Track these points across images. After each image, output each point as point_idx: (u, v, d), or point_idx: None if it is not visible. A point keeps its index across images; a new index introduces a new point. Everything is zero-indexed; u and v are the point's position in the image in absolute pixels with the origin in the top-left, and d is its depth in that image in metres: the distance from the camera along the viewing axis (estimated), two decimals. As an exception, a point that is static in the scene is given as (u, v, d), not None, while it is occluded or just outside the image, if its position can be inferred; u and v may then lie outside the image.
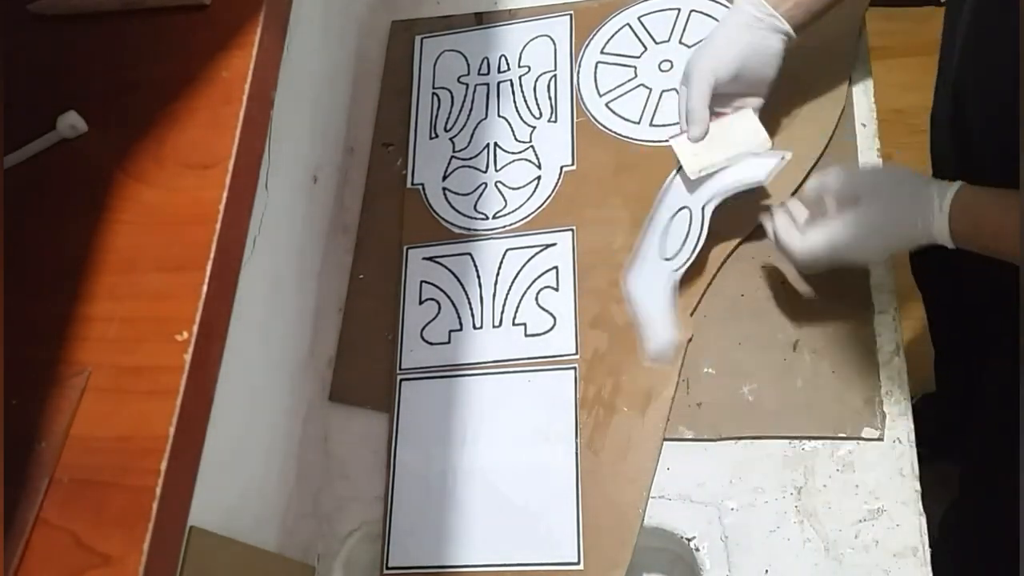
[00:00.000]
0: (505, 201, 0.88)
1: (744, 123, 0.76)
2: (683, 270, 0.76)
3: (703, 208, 0.76)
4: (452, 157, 0.92)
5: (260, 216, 0.75)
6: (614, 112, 0.89)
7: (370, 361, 0.84)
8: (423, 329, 0.84)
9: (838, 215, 0.68)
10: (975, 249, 0.64)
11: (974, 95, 0.76)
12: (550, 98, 0.92)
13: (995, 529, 0.74)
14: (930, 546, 0.67)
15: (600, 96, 0.90)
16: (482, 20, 0.99)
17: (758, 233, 0.80)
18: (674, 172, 0.80)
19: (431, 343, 0.83)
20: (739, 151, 0.75)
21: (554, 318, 0.81)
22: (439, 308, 0.84)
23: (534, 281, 0.83)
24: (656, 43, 0.91)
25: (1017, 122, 0.61)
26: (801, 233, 0.70)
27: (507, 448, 0.77)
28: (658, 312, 0.76)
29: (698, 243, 0.75)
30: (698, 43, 0.89)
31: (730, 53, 0.72)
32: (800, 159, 0.81)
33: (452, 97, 0.95)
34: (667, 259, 0.78)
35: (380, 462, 0.80)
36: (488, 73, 0.95)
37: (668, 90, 0.88)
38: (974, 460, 0.96)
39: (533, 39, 0.96)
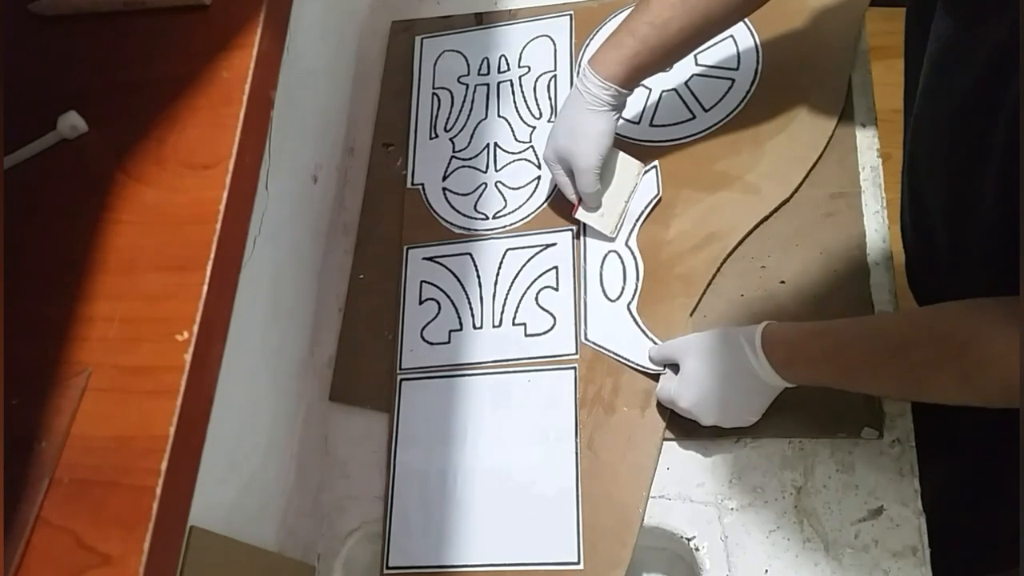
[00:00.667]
0: (505, 201, 0.88)
1: (618, 164, 0.82)
2: (636, 301, 0.79)
3: (627, 244, 0.82)
4: (452, 157, 0.92)
5: (260, 216, 0.75)
6: (614, 112, 0.89)
7: (370, 361, 0.84)
8: (423, 329, 0.84)
9: (676, 378, 0.71)
10: (805, 382, 0.65)
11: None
12: (550, 98, 0.92)
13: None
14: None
15: (600, 96, 0.90)
16: (482, 20, 0.99)
17: (758, 233, 0.80)
18: (576, 229, 0.84)
19: (431, 343, 0.83)
20: (630, 189, 0.82)
21: (554, 318, 0.81)
22: (439, 308, 0.84)
23: (534, 281, 0.83)
24: (656, 43, 0.91)
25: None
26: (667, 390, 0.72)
27: (507, 448, 0.77)
28: (634, 347, 0.77)
29: (638, 275, 0.80)
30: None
31: (601, 143, 0.76)
32: (800, 159, 0.81)
33: (452, 97, 0.95)
34: (614, 300, 0.80)
35: (380, 462, 0.80)
36: (488, 73, 0.95)
37: (668, 90, 0.88)
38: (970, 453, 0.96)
39: (533, 39, 0.96)
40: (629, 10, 0.93)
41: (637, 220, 0.82)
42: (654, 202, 0.82)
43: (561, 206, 0.86)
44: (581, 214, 0.81)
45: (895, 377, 0.59)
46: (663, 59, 0.73)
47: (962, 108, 0.58)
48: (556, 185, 0.82)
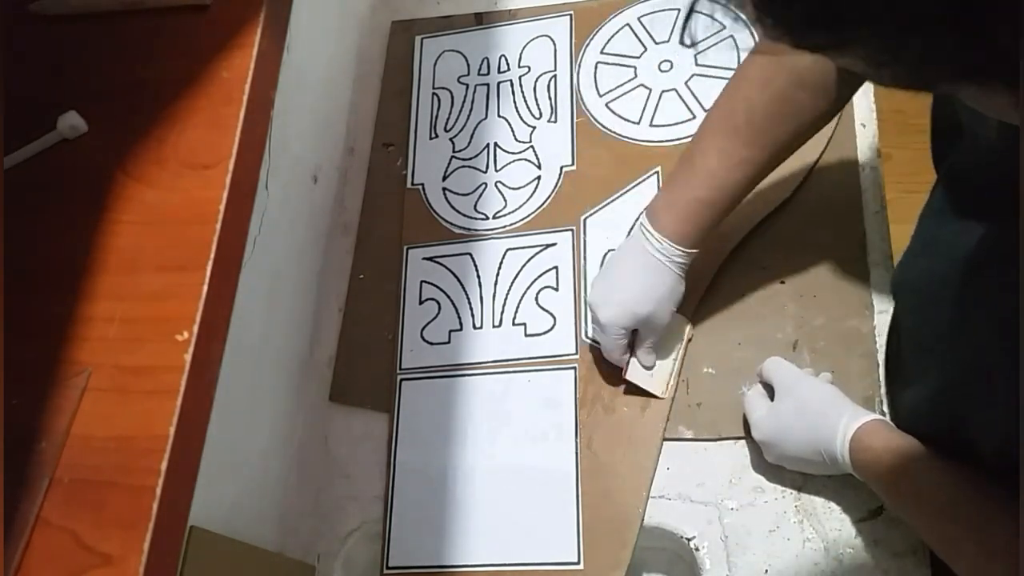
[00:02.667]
0: (505, 201, 0.88)
1: (671, 325, 0.75)
2: None
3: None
4: (452, 157, 0.92)
5: (260, 216, 0.75)
6: (614, 112, 0.89)
7: (370, 361, 0.84)
8: (423, 329, 0.84)
9: (765, 404, 0.70)
10: (871, 483, 0.63)
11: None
12: (550, 98, 0.92)
13: None
14: None
15: (600, 96, 0.90)
16: (482, 20, 0.99)
17: (758, 233, 0.80)
18: (576, 229, 0.83)
19: (431, 343, 0.83)
20: (679, 347, 0.77)
21: (554, 318, 0.81)
22: (439, 308, 0.84)
23: (534, 281, 0.83)
24: (656, 43, 0.91)
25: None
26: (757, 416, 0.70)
27: (507, 448, 0.77)
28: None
29: None
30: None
31: (675, 303, 0.72)
32: (800, 159, 0.81)
33: (452, 97, 0.95)
34: None
35: (380, 462, 0.80)
36: (488, 73, 0.95)
37: (668, 90, 0.88)
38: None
39: (533, 39, 0.96)
40: (629, 10, 0.94)
41: (637, 220, 0.81)
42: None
43: (561, 206, 0.86)
44: (632, 374, 0.75)
45: (936, 539, 0.60)
46: (727, 215, 0.70)
47: None
48: (604, 348, 0.75)
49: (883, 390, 0.72)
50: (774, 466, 0.71)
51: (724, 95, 0.67)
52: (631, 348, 0.74)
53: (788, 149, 0.67)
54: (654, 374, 0.76)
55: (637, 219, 0.72)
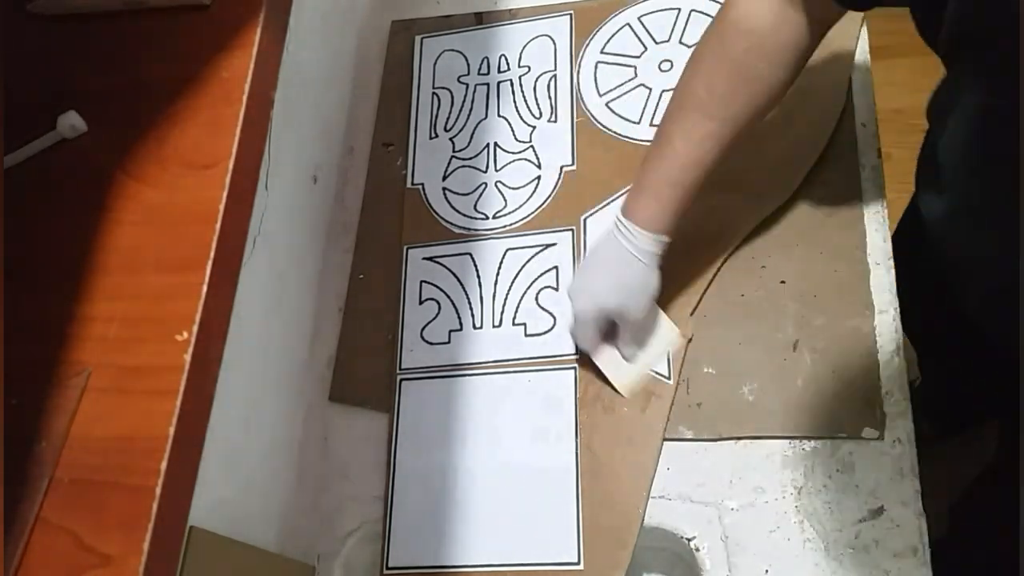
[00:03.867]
0: (505, 201, 0.88)
1: (657, 326, 0.77)
2: None
3: None
4: (452, 157, 0.92)
5: (260, 216, 0.75)
6: (614, 112, 0.89)
7: (370, 361, 0.84)
8: (423, 329, 0.84)
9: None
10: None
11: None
12: (550, 98, 0.92)
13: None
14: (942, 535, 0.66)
15: (600, 96, 0.90)
16: (482, 20, 0.99)
17: (758, 233, 0.80)
18: (576, 228, 0.84)
19: (431, 343, 0.83)
20: (659, 354, 0.77)
21: (554, 318, 0.81)
22: (439, 308, 0.84)
23: (534, 281, 0.83)
24: (656, 43, 0.91)
25: None
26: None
27: (507, 448, 0.77)
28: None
29: None
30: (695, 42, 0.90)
31: (652, 296, 0.72)
32: (800, 159, 0.81)
33: (452, 97, 0.95)
34: None
35: (380, 462, 0.80)
36: (488, 73, 0.95)
37: (668, 90, 0.88)
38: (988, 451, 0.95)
39: (533, 39, 0.96)
40: (629, 10, 0.94)
41: None
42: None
43: (561, 206, 0.86)
44: (602, 360, 0.76)
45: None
46: (695, 194, 0.69)
47: None
48: (576, 338, 0.77)
49: (883, 390, 0.72)
50: (774, 466, 0.71)
51: (683, 76, 0.67)
52: (612, 340, 0.75)
53: (749, 121, 0.66)
54: (624, 369, 0.76)
55: None
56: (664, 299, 0.79)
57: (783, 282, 0.78)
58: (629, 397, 0.76)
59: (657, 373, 0.76)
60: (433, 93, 0.96)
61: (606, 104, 0.90)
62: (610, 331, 0.75)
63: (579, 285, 0.74)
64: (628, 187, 0.84)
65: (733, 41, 0.63)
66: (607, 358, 0.77)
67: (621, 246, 0.70)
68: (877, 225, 0.78)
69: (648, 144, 0.86)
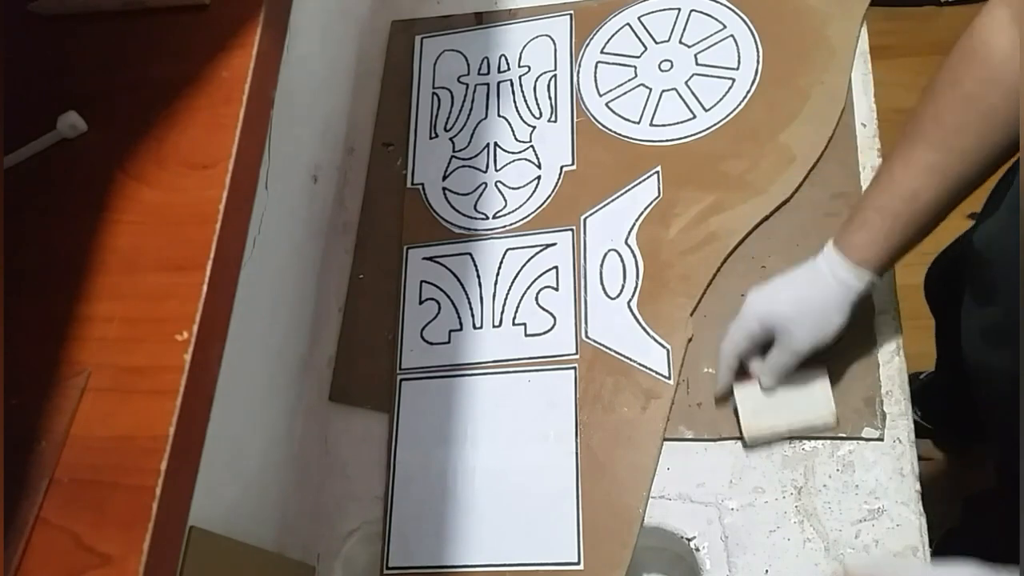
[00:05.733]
0: (505, 201, 0.88)
1: (814, 387, 0.71)
2: (636, 299, 0.79)
3: (627, 243, 0.81)
4: (452, 157, 0.92)
5: (260, 216, 0.75)
6: (614, 112, 0.89)
7: (370, 361, 0.84)
8: (423, 329, 0.84)
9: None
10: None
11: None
12: (550, 98, 0.92)
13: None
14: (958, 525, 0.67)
15: (600, 96, 0.90)
16: (482, 20, 0.99)
17: (758, 233, 0.80)
18: (576, 228, 0.84)
19: (431, 343, 0.83)
20: (802, 422, 0.71)
21: (554, 318, 0.81)
22: (439, 308, 0.84)
23: (534, 281, 0.83)
24: (656, 43, 0.91)
25: None
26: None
27: (507, 448, 0.77)
28: (635, 344, 0.77)
29: (638, 274, 0.80)
30: (700, 43, 0.90)
31: (827, 336, 0.67)
32: (800, 159, 0.81)
33: (452, 97, 0.95)
34: (614, 298, 0.80)
35: (380, 462, 0.80)
36: (488, 73, 0.95)
37: (668, 90, 0.88)
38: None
39: (533, 39, 0.96)
40: (629, 10, 0.94)
41: (637, 219, 0.82)
42: (654, 202, 0.82)
43: (561, 205, 0.86)
44: (739, 391, 0.72)
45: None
46: (916, 235, 0.63)
47: None
48: (725, 345, 0.71)
49: (883, 390, 0.72)
50: (774, 466, 0.71)
51: (918, 107, 0.63)
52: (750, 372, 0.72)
53: (982, 158, 0.60)
54: (760, 411, 0.70)
55: None
56: (665, 298, 0.79)
57: (783, 282, 0.78)
58: (749, 443, 0.71)
59: (657, 373, 0.76)
60: (433, 93, 0.96)
61: (606, 104, 0.90)
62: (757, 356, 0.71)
63: (760, 288, 0.69)
64: (628, 187, 0.85)
65: (967, 70, 0.60)
66: (747, 391, 0.72)
67: (818, 268, 0.66)
68: (877, 225, 0.78)
69: (648, 143, 0.87)
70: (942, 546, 0.94)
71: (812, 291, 0.66)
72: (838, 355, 0.73)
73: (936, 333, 1.13)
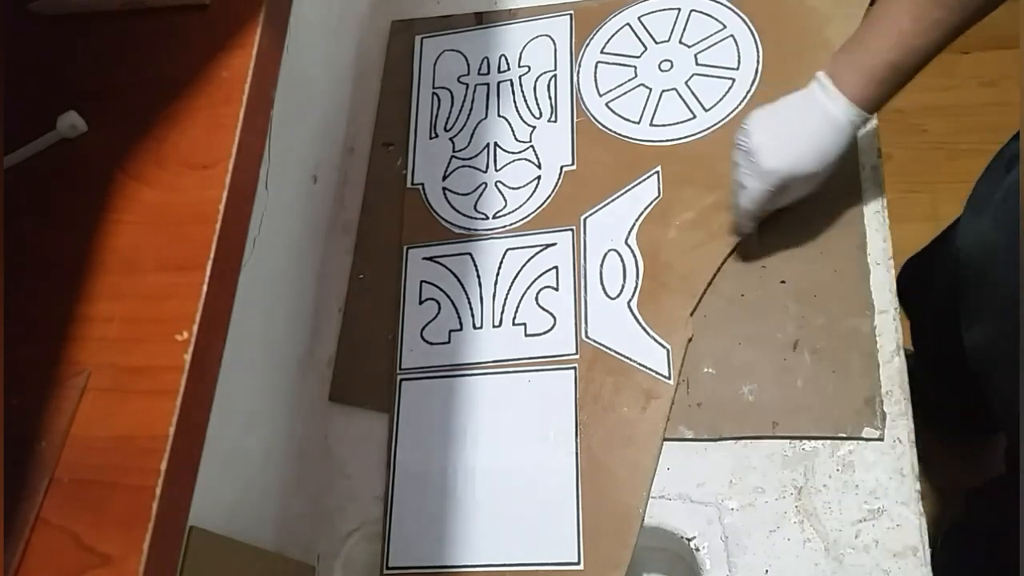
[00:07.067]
0: (505, 201, 0.88)
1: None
2: (636, 298, 0.79)
3: (627, 243, 0.81)
4: (452, 157, 0.92)
5: (260, 216, 0.75)
6: (614, 112, 0.89)
7: (370, 361, 0.84)
8: (423, 329, 0.84)
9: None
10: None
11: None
12: (550, 98, 0.92)
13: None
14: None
15: (600, 96, 0.90)
16: (482, 20, 0.99)
17: (758, 233, 0.80)
18: (576, 228, 0.84)
19: (431, 343, 0.83)
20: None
21: (554, 318, 0.81)
22: (439, 308, 0.84)
23: (534, 281, 0.83)
24: (656, 43, 0.91)
25: None
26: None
27: (507, 448, 0.77)
28: (635, 344, 0.77)
29: (638, 274, 0.80)
30: (700, 44, 0.90)
31: (805, 160, 0.70)
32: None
33: (452, 97, 0.95)
34: (614, 298, 0.79)
35: (380, 462, 0.80)
36: (488, 73, 0.95)
37: (668, 90, 0.88)
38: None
39: (533, 39, 0.96)
40: (629, 10, 0.94)
41: (637, 219, 0.82)
42: (654, 202, 0.82)
43: (561, 205, 0.86)
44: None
45: None
46: (915, 74, 0.67)
47: None
48: (743, 201, 0.73)
49: (883, 390, 0.72)
50: (774, 466, 0.71)
51: None
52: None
53: (980, 11, 0.63)
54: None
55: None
56: (665, 297, 0.79)
57: (783, 282, 0.78)
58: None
59: (657, 373, 0.76)
60: (433, 93, 0.96)
61: (606, 104, 0.90)
62: None
63: (767, 142, 0.70)
64: (628, 187, 0.85)
65: None
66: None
67: (829, 113, 0.68)
68: (877, 225, 0.78)
69: (648, 143, 0.87)
70: (949, 540, 0.94)
71: (830, 140, 0.69)
72: (838, 355, 0.73)
73: (912, 334, 1.13)
